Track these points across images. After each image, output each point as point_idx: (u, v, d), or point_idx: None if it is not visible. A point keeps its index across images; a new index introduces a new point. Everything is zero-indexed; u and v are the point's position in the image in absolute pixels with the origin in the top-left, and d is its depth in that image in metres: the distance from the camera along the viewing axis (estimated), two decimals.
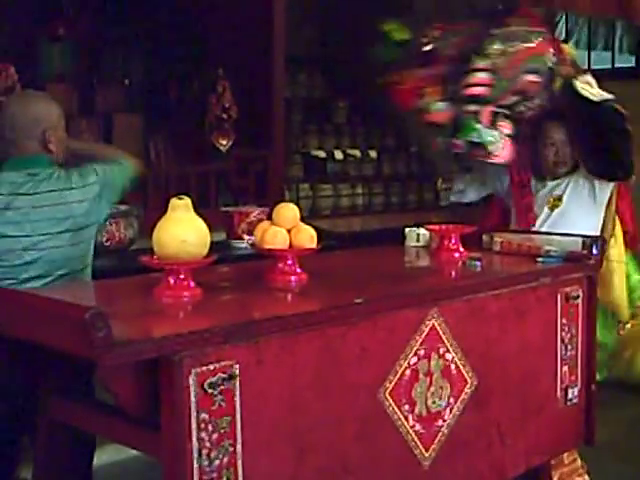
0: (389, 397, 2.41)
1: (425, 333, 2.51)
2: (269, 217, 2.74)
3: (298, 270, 2.63)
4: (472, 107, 3.52)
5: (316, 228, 2.78)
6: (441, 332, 2.55)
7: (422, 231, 3.35)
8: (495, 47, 3.55)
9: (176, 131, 5.10)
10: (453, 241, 3.12)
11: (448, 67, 3.64)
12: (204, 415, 1.97)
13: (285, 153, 5.25)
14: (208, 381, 1.98)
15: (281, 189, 5.09)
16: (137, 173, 3.07)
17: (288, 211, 2.68)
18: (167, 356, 1.94)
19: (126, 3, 4.93)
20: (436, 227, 3.26)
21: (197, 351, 1.97)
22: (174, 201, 2.37)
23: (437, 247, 3.20)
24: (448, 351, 2.58)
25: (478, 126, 3.50)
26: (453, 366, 2.59)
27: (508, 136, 3.54)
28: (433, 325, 2.53)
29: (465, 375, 2.63)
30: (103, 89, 5.02)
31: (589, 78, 3.61)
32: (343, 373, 2.30)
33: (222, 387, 2.00)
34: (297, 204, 4.14)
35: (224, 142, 4.96)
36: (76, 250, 2.81)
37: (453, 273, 3.05)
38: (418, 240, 3.37)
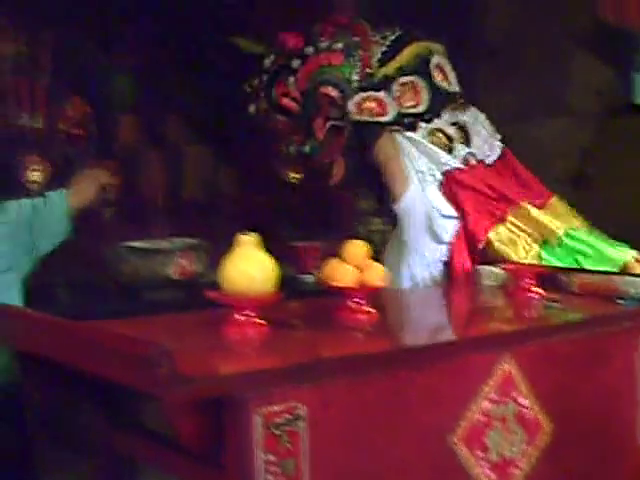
0: (461, 443, 2.37)
1: (498, 377, 2.46)
2: (338, 253, 2.74)
3: (368, 309, 2.61)
4: (281, 117, 3.70)
5: None
6: (515, 377, 2.50)
7: (497, 270, 3.31)
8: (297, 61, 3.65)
9: (246, 163, 5.14)
10: (529, 281, 3.07)
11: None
12: (270, 456, 1.96)
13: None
14: (274, 422, 1.96)
15: (352, 223, 5.08)
16: (73, 208, 2.80)
17: (357, 248, 2.67)
18: (232, 395, 1.93)
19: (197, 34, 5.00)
20: (511, 266, 3.22)
21: (263, 391, 1.96)
22: (241, 237, 2.39)
23: (512, 287, 3.15)
24: (523, 396, 2.52)
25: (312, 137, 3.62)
26: (528, 412, 2.54)
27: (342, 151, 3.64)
28: (507, 369, 2.48)
29: (540, 421, 2.58)
30: (173, 120, 5.09)
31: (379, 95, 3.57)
32: (413, 417, 2.27)
33: (288, 428, 1.99)
34: (369, 238, 4.14)
35: (295, 175, 4.98)
36: None
37: (528, 315, 2.99)
38: (492, 279, 3.32)
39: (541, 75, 5.29)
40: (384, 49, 3.69)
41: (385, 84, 3.61)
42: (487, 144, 3.75)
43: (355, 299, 2.60)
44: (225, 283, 2.39)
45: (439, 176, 3.55)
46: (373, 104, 3.55)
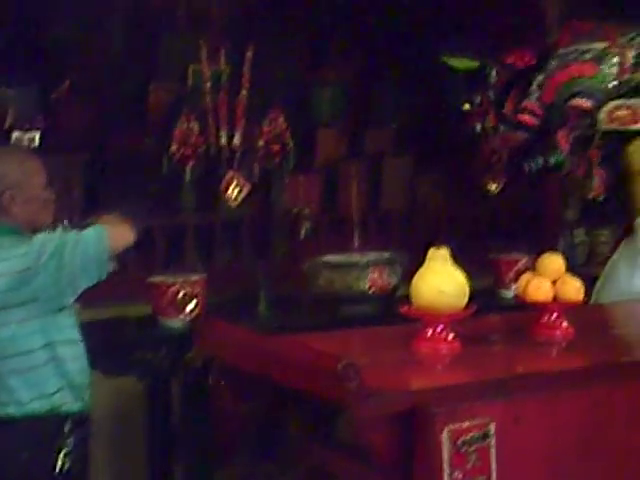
0: None
1: None
2: (534, 267, 2.75)
3: (564, 324, 2.61)
4: (519, 133, 3.59)
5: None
6: None
7: None
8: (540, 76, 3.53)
9: (445, 174, 5.18)
10: None
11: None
12: (458, 473, 2.00)
13: (560, 196, 5.18)
14: (462, 438, 2.01)
15: (555, 235, 5.03)
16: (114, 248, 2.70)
17: (552, 262, 2.67)
18: (420, 410, 1.99)
19: (396, 46, 5.08)
20: None
21: (451, 406, 2.01)
22: (432, 251, 2.44)
23: None
24: None
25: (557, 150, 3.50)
26: None
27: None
28: None
29: None
30: (372, 132, 5.20)
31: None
32: (610, 436, 2.24)
33: (477, 445, 2.02)
34: (572, 251, 4.07)
35: (494, 185, 4.98)
36: (2, 332, 2.61)
37: None
38: None
39: None
40: (636, 52, 3.59)
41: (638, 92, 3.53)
42: None
43: (550, 314, 2.61)
44: (416, 298, 2.45)
45: None
46: (625, 112, 3.48)
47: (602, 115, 3.49)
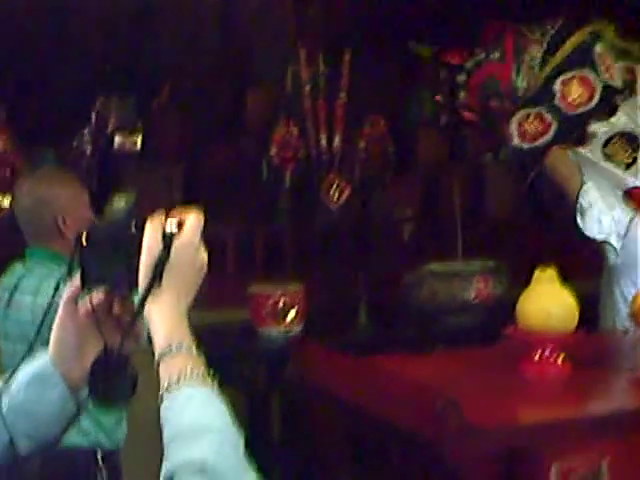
0: None
1: None
2: None
3: None
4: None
5: None
6: None
7: None
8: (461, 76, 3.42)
9: None
10: None
11: None
12: None
13: None
14: (572, 476, 1.89)
15: None
16: None
17: None
18: (525, 447, 1.88)
19: None
20: None
21: (559, 443, 1.89)
22: (538, 273, 2.32)
23: None
24: None
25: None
26: None
27: None
28: None
29: None
30: (473, 134, 5.08)
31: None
32: None
33: None
34: None
35: None
36: None
37: None
38: None
39: None
40: (545, 47, 3.30)
41: (546, 90, 3.22)
42: None
43: None
44: (522, 320, 2.33)
45: (619, 193, 3.18)
46: (536, 123, 3.17)
47: (512, 128, 3.19)
